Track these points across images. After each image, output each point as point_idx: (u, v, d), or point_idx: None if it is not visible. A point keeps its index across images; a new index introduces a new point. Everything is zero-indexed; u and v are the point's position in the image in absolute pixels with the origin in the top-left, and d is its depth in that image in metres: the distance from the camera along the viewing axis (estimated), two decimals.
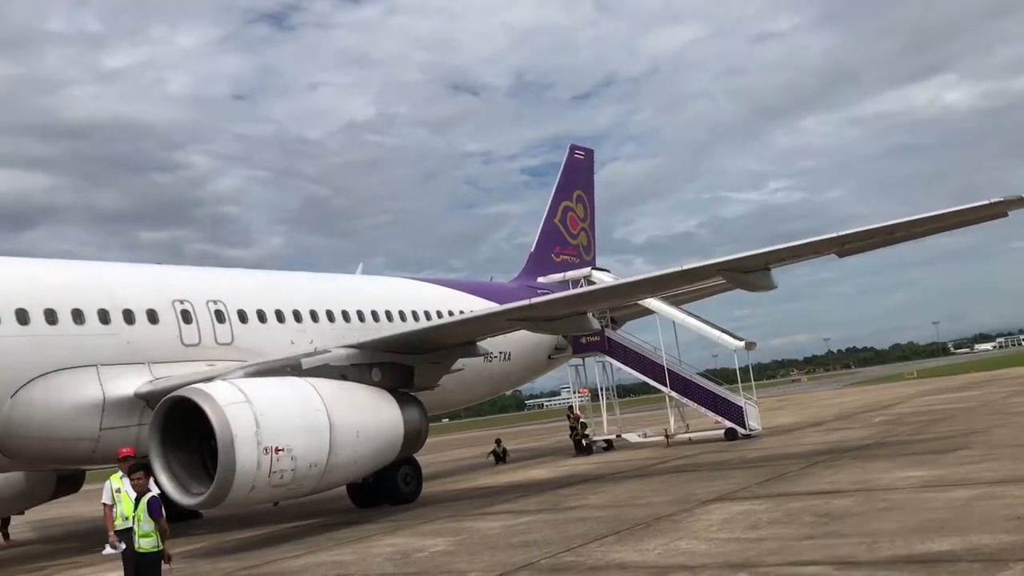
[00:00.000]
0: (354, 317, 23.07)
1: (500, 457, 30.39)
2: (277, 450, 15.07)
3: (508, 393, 35.02)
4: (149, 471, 10.20)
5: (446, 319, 23.12)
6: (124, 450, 11.96)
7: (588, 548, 10.90)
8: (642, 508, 14.13)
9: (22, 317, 16.75)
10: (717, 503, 13.69)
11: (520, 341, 25.92)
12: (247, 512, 18.85)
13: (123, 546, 10.23)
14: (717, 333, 27.51)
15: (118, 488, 10.73)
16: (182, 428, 15.71)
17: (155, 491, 9.88)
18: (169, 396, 15.55)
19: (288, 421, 15.47)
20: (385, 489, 18.92)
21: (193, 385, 15.67)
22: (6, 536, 23.01)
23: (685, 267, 17.74)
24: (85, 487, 23.01)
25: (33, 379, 16.61)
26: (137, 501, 9.51)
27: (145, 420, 17.49)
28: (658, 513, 13.20)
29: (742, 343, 27.28)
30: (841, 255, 17.80)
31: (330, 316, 22.54)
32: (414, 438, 18.24)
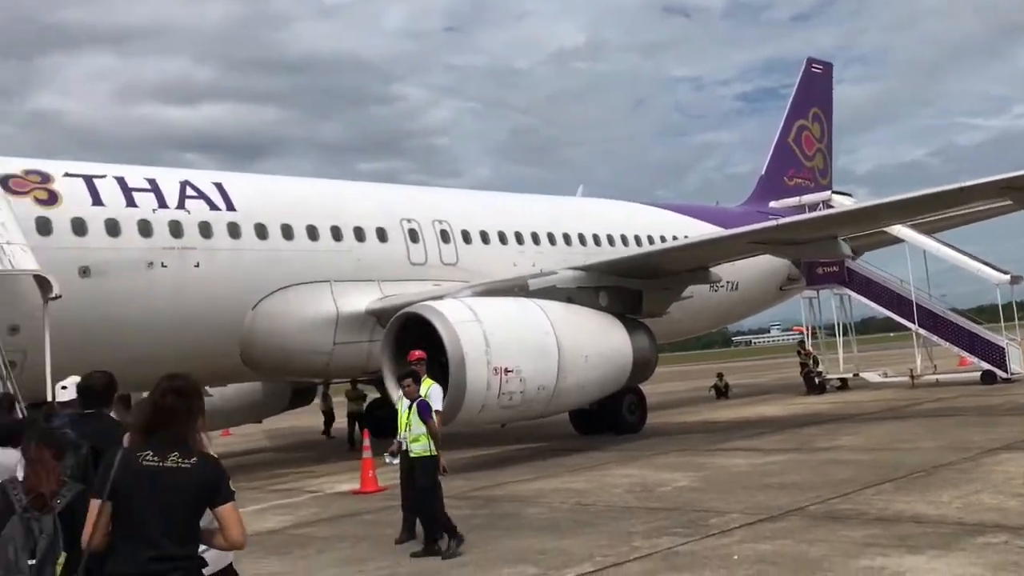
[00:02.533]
0: (576, 240, 22.24)
1: (722, 391, 29.01)
2: (506, 371, 14.58)
3: (714, 329, 33.25)
4: (419, 378, 9.67)
5: (680, 241, 21.77)
6: (416, 353, 11.34)
7: (863, 495, 9.57)
8: (911, 454, 12.52)
9: (261, 232, 17.08)
10: (1005, 452, 11.87)
11: (750, 270, 24.25)
12: (467, 432, 18.58)
13: (396, 459, 9.89)
14: (977, 265, 24.59)
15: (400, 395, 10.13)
16: (412, 345, 15.52)
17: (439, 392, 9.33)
18: (401, 312, 15.37)
19: (517, 342, 14.94)
20: (609, 417, 18.18)
21: (425, 302, 15.43)
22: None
23: (963, 185, 15.48)
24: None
25: (272, 292, 16.95)
26: (409, 408, 9.15)
27: (376, 336, 17.56)
28: (934, 460, 11.58)
29: (1006, 276, 24.27)
30: None
31: (551, 239, 21.83)
32: (643, 366, 17.30)
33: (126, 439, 4.10)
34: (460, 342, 14.27)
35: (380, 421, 20.14)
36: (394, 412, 20.60)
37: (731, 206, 29.50)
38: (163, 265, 15.66)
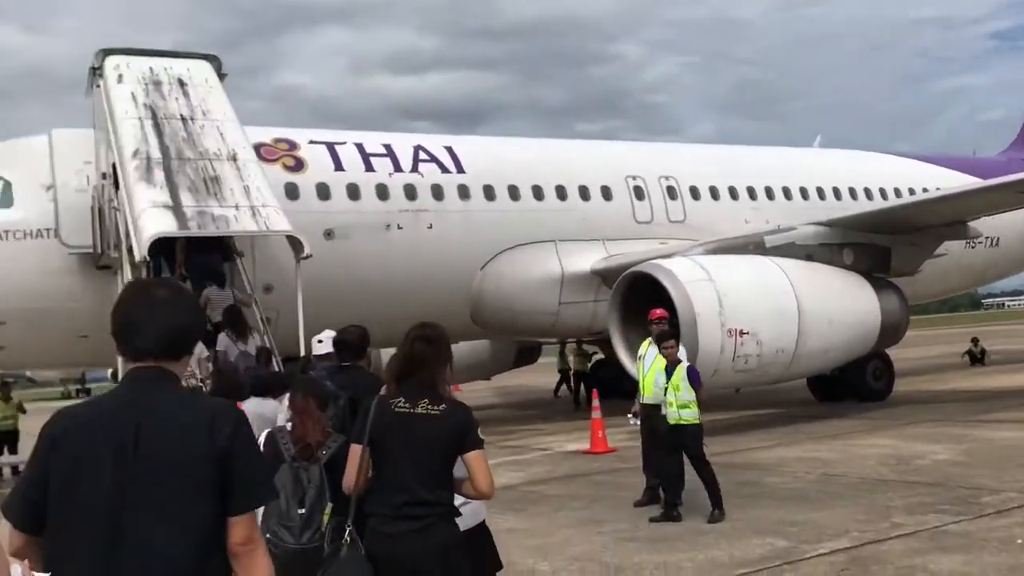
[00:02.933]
0: (813, 194, 20.89)
1: (977, 358, 26.52)
2: (741, 333, 13.91)
3: (968, 290, 30.29)
4: (679, 339, 9.24)
5: (936, 193, 19.92)
6: (658, 311, 10.54)
7: None
8: None
9: (488, 193, 17.28)
10: None
11: (1015, 224, 21.86)
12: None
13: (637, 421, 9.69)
14: None
15: (641, 355, 9.78)
16: (639, 305, 15.19)
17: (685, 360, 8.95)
18: (629, 271, 15.03)
19: (753, 303, 14.20)
20: (851, 383, 17.00)
21: (653, 261, 15.01)
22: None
23: None
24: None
25: (500, 252, 17.14)
26: (668, 371, 8.75)
27: (601, 296, 17.36)
28: None
29: None
30: None
31: (787, 193, 20.63)
32: (891, 330, 15.99)
33: (383, 390, 4.11)
34: (691, 302, 13.76)
35: (604, 382, 19.99)
36: (619, 373, 20.50)
37: (990, 155, 26.73)
38: (399, 227, 16.19)
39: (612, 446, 13.33)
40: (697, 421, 8.64)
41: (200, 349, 9.39)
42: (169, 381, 2.48)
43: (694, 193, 19.48)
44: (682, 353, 9.19)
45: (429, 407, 3.65)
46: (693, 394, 8.58)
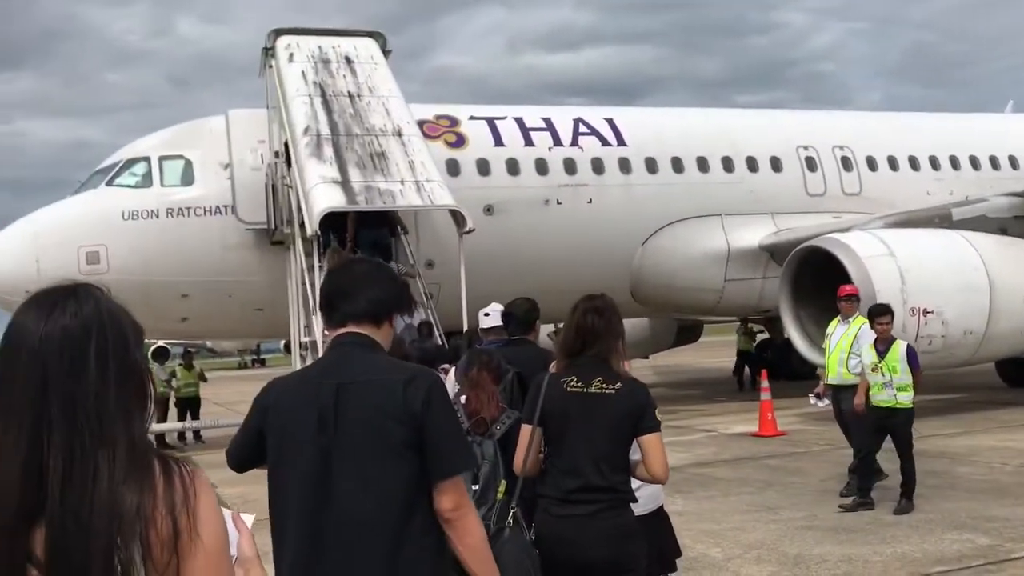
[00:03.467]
0: (1005, 163, 19.25)
1: None
2: (925, 312, 12.94)
3: None
4: (893, 316, 8.55)
5: None
6: (848, 288, 9.96)
7: None
8: None
9: (650, 166, 16.82)
10: None
11: None
12: None
13: (826, 402, 9.16)
14: None
15: (828, 333, 9.20)
16: (812, 282, 14.42)
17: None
18: (803, 246, 14.26)
19: (939, 279, 13.17)
20: None
21: (829, 235, 14.18)
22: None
23: None
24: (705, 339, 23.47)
25: (662, 227, 16.68)
26: (880, 350, 8.01)
27: (769, 273, 16.64)
28: None
29: None
30: None
31: (974, 162, 19.10)
32: None
33: (552, 366, 3.92)
34: (871, 279, 12.88)
35: (769, 363, 19.20)
36: (785, 353, 19.60)
37: None
38: (558, 202, 16.02)
39: (782, 429, 12.76)
40: (911, 405, 7.96)
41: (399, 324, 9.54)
42: (369, 348, 2.57)
43: (871, 163, 18.34)
44: (867, 330, 8.51)
45: (604, 386, 3.41)
46: (910, 376, 7.89)
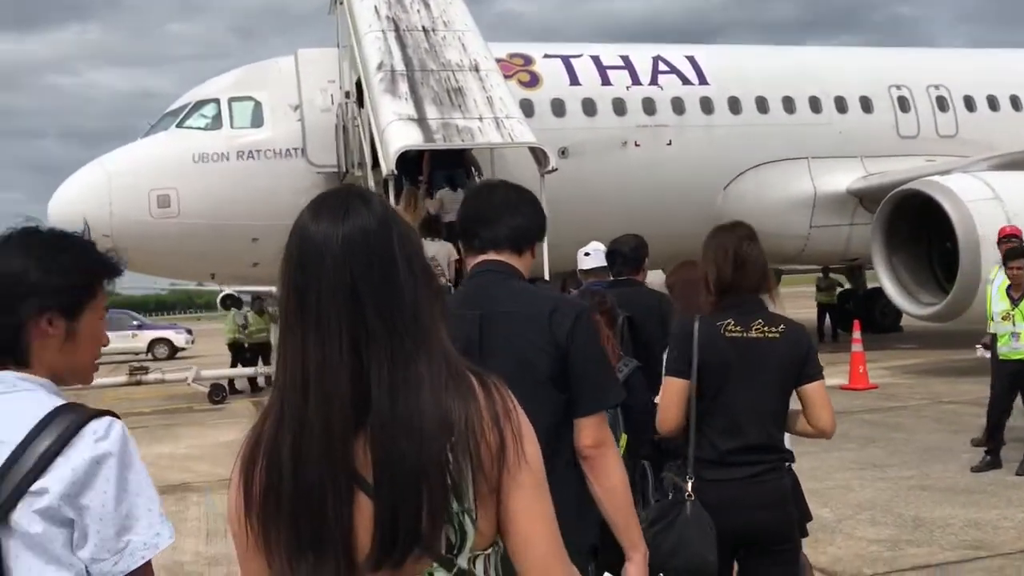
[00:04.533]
0: None
1: None
2: None
3: None
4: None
5: None
6: (1006, 228, 9.53)
7: None
8: None
9: (734, 106, 16.05)
10: None
11: None
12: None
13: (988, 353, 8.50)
14: None
15: (990, 279, 8.33)
16: (907, 229, 13.63)
17: None
18: (899, 190, 13.46)
19: None
20: None
21: (927, 178, 13.34)
22: None
23: None
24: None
25: (745, 171, 15.96)
26: (1013, 298, 7.38)
27: (857, 219, 15.91)
28: None
29: None
30: None
31: None
32: None
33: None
34: (974, 224, 12.09)
35: (852, 315, 18.40)
36: (869, 304, 18.76)
37: None
38: (636, 144, 15.39)
39: (874, 382, 12.15)
40: None
41: (450, 250, 9.13)
42: (512, 276, 2.43)
43: (968, 104, 17.27)
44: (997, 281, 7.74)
45: (766, 329, 2.92)
46: None
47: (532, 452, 1.36)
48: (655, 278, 6.72)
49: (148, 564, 1.49)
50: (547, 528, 1.38)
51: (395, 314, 1.31)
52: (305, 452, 1.27)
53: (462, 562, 1.31)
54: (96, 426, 1.48)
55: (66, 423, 1.47)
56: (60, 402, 1.53)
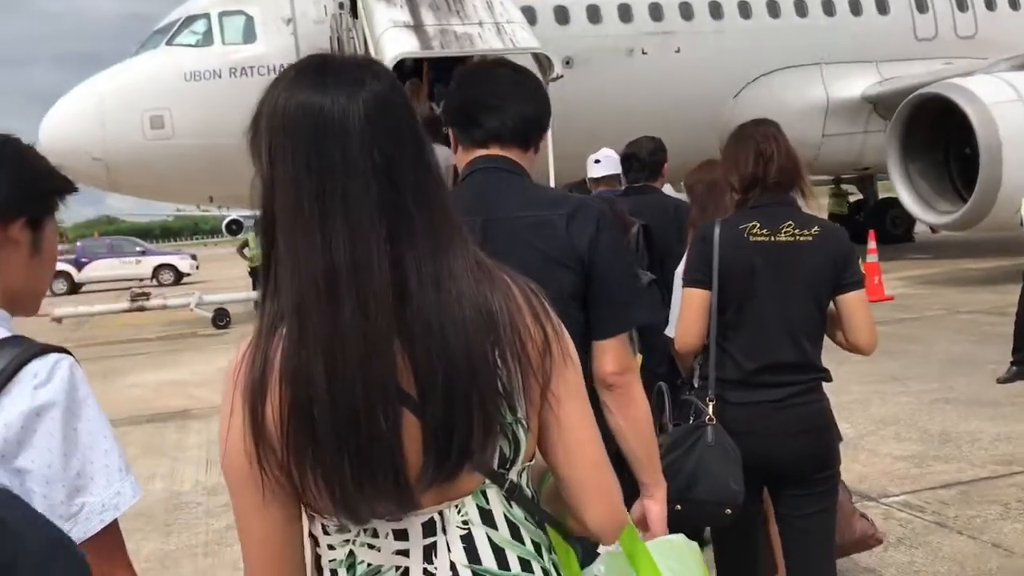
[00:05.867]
0: None
1: None
2: None
3: None
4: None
5: None
6: None
7: None
8: None
9: (744, 10, 15.42)
10: None
11: None
12: (998, 239, 15.42)
13: None
14: None
15: None
16: (923, 136, 13.18)
17: None
18: (917, 94, 12.96)
19: None
20: None
21: (946, 80, 12.84)
22: None
23: None
24: None
25: (756, 78, 15.44)
26: None
27: (871, 127, 15.45)
28: None
29: None
30: None
31: None
32: None
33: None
34: (996, 127, 11.66)
35: (863, 225, 18.03)
36: (880, 214, 18.35)
37: None
38: (643, 52, 14.86)
39: (889, 293, 11.89)
40: None
41: (448, 154, 8.73)
42: (518, 174, 2.09)
43: (988, 2, 16.57)
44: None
45: (797, 232, 2.59)
46: None
47: (574, 350, 1.25)
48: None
49: (114, 525, 1.24)
50: (597, 437, 1.28)
51: (432, 199, 1.17)
52: (341, 368, 1.10)
53: (513, 476, 1.21)
54: (36, 367, 1.21)
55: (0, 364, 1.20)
56: (4, 334, 1.27)
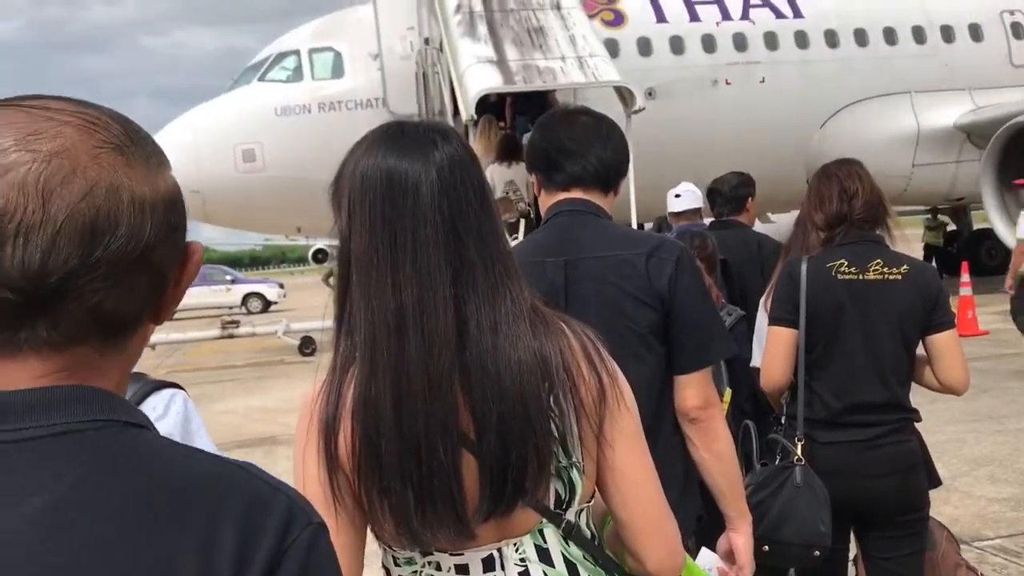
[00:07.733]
0: None
1: None
2: None
3: None
4: None
5: None
6: None
7: None
8: None
9: (831, 39, 15.21)
10: None
11: None
12: None
13: None
14: None
15: None
16: (1020, 165, 12.75)
17: None
18: (1013, 122, 12.60)
19: None
20: None
21: None
22: None
23: None
24: None
25: (843, 108, 15.17)
26: None
27: (964, 156, 14.97)
28: None
29: None
30: None
31: None
32: None
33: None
34: None
35: (954, 257, 17.50)
36: (974, 246, 17.76)
37: None
38: (727, 82, 14.75)
39: (984, 328, 11.47)
40: None
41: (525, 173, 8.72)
42: (599, 216, 2.14)
43: None
44: None
45: (887, 270, 2.56)
46: None
47: (630, 396, 1.29)
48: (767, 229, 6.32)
49: None
50: (655, 480, 1.31)
51: (493, 249, 1.24)
52: (407, 401, 1.18)
53: (570, 516, 1.25)
54: (155, 401, 1.33)
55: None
56: None
